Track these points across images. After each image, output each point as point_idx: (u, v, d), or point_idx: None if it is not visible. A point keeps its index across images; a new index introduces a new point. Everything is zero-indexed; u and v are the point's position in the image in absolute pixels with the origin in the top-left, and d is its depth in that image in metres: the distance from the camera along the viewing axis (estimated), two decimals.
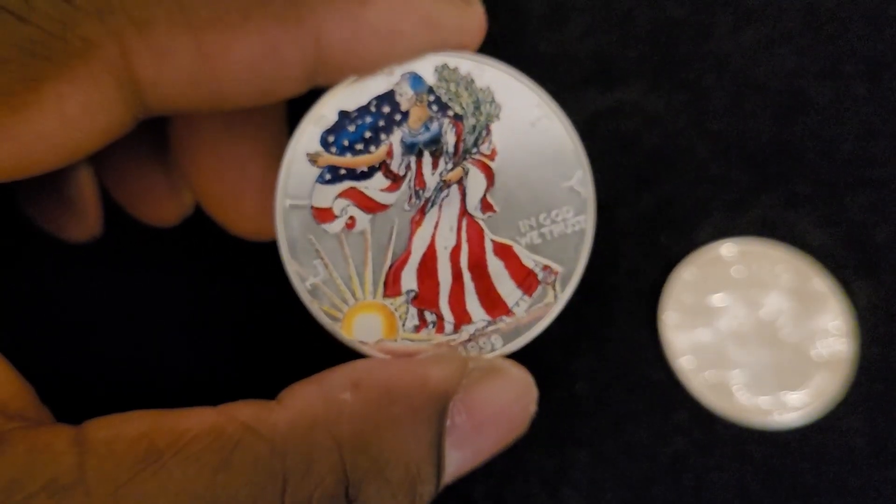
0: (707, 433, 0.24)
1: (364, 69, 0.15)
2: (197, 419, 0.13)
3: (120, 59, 0.13)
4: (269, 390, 0.20)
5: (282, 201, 0.15)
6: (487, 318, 0.15)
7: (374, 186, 0.15)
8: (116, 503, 0.11)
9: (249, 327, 0.24)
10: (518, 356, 0.16)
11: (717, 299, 0.26)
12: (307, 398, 0.13)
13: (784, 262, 0.26)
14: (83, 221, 0.20)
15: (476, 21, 0.16)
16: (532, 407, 0.15)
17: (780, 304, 0.26)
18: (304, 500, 0.12)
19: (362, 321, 0.15)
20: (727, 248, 0.26)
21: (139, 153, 0.20)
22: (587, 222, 0.16)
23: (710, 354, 0.25)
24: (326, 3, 0.13)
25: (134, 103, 0.13)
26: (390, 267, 0.15)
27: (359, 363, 0.14)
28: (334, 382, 0.14)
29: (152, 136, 0.18)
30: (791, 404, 0.24)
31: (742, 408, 0.24)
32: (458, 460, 0.14)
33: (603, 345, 0.25)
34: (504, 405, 0.14)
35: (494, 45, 0.29)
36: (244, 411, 0.13)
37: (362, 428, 0.13)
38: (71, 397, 0.17)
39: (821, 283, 0.26)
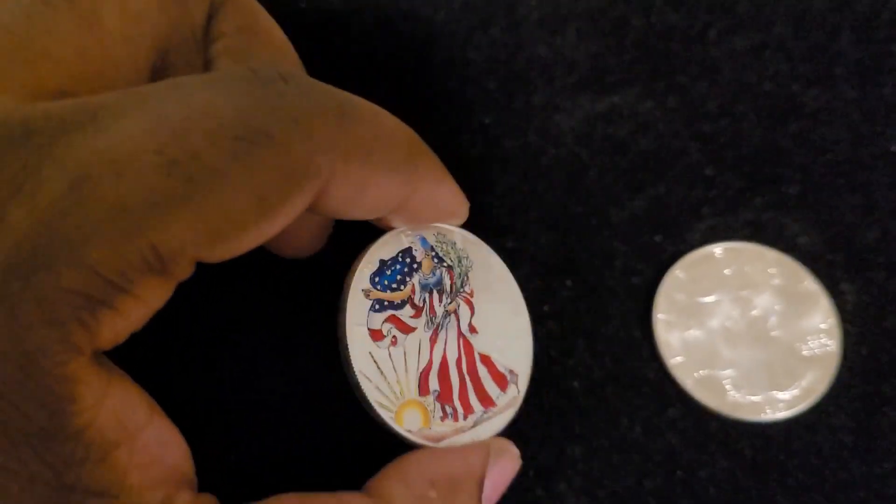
0: (699, 429, 0.25)
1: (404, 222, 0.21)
2: None
3: (326, 180, 0.16)
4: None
5: (350, 324, 0.20)
6: (482, 408, 0.21)
7: (406, 315, 0.20)
8: None
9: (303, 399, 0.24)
10: None
11: (710, 299, 0.26)
12: (402, 497, 0.18)
13: (775, 262, 0.26)
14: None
15: (464, 210, 0.22)
16: (518, 467, 0.21)
17: (771, 304, 0.26)
18: None
19: (408, 414, 0.20)
20: (719, 249, 0.27)
21: None
22: (527, 341, 0.22)
23: (703, 353, 0.25)
24: (425, 172, 0.19)
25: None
26: (421, 373, 0.20)
27: (424, 459, 0.19)
28: (417, 480, 0.18)
29: None
30: (781, 401, 0.25)
31: (733, 405, 0.25)
32: None
33: (598, 343, 0.26)
34: (509, 474, 0.20)
35: (492, 49, 0.30)
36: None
37: None
38: None
39: (811, 284, 0.26)
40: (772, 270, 0.26)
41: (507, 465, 0.20)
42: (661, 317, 0.26)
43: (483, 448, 0.20)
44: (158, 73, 0.19)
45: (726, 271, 0.26)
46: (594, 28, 0.30)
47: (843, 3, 0.30)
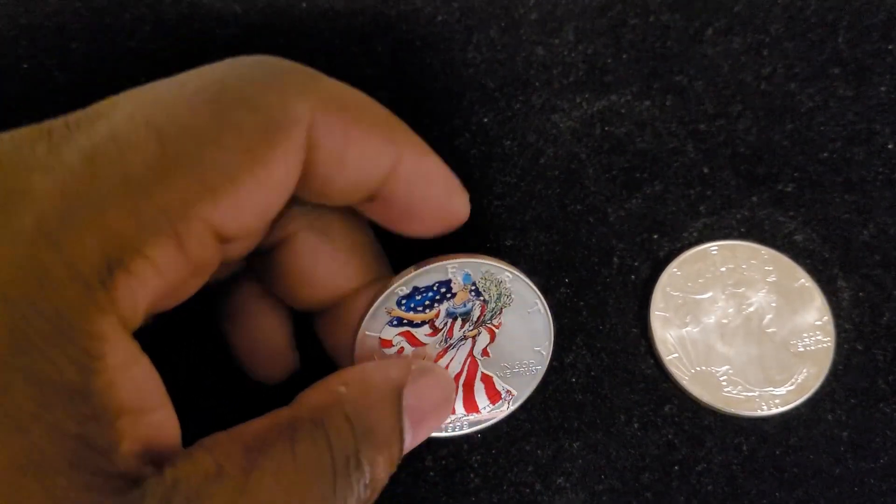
0: (695, 425, 0.25)
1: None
2: (262, 423, 0.17)
3: (308, 127, 0.17)
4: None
5: (362, 332, 0.22)
6: (464, 412, 0.23)
7: (421, 333, 0.22)
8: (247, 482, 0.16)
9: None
10: None
11: (705, 296, 0.26)
12: (318, 395, 0.19)
13: (770, 259, 0.27)
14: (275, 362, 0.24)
15: (461, 198, 0.21)
16: (453, 396, 0.22)
17: (767, 301, 0.26)
18: (343, 456, 0.17)
19: None
20: (715, 247, 0.27)
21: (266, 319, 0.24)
22: (541, 371, 0.24)
23: (698, 349, 0.26)
24: (406, 139, 0.19)
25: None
26: None
27: (344, 371, 0.20)
28: (332, 383, 0.19)
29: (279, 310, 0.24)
30: (776, 397, 0.25)
31: (729, 400, 0.25)
32: (411, 431, 0.19)
33: (595, 339, 0.26)
34: (436, 394, 0.21)
35: (491, 50, 0.30)
36: (283, 413, 0.18)
37: (357, 409, 0.18)
38: None
39: (806, 280, 0.26)
40: (767, 268, 0.27)
41: (432, 381, 0.20)
42: (658, 314, 0.26)
43: (404, 362, 0.20)
44: None
45: (722, 269, 0.27)
46: (592, 28, 0.30)
47: (838, 3, 0.31)
